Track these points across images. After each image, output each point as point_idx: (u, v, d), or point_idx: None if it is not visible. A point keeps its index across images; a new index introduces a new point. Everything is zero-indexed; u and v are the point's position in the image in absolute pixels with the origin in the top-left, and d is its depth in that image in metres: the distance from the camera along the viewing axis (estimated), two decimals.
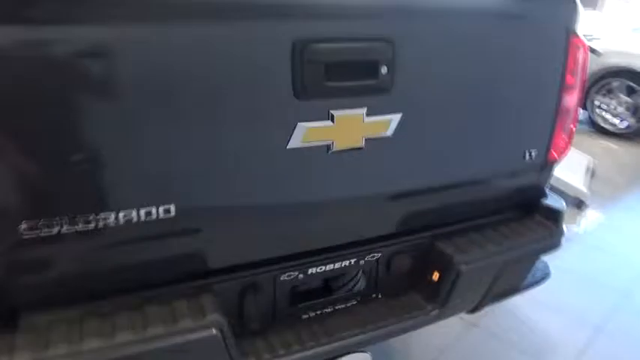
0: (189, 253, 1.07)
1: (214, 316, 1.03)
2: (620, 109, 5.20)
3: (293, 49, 0.99)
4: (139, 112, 0.91)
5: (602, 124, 5.34)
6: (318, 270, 1.25)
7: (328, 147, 1.08)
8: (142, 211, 0.96)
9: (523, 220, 1.52)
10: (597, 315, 2.26)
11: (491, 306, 2.20)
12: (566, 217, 2.92)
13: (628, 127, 5.19)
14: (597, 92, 5.27)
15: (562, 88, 1.40)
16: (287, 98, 1.01)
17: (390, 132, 1.14)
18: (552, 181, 3.31)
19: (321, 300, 1.30)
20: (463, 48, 1.23)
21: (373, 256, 1.32)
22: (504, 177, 1.44)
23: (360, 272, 1.34)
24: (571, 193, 3.44)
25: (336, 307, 1.31)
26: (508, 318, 2.23)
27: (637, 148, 5.04)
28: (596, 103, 5.31)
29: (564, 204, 1.56)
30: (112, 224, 0.94)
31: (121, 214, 0.94)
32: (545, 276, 1.61)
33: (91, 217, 0.92)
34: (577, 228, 3.20)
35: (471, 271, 1.31)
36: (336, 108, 1.06)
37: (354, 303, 1.34)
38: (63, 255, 0.95)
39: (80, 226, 0.91)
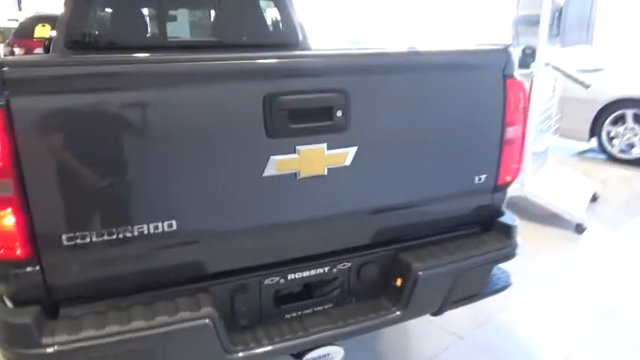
0: (187, 260, 1.37)
1: (208, 310, 1.32)
2: (631, 137, 5.31)
3: (264, 100, 1.31)
4: (151, 150, 1.24)
5: (614, 152, 5.45)
6: (297, 276, 1.52)
7: (296, 174, 1.38)
8: (152, 225, 1.27)
9: (481, 235, 1.76)
10: (581, 329, 2.41)
11: (481, 323, 2.41)
12: (565, 239, 3.10)
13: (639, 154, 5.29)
14: (608, 121, 5.41)
15: (504, 122, 1.67)
16: (261, 137, 1.33)
17: (348, 162, 1.44)
18: (555, 209, 3.49)
19: (301, 303, 1.57)
20: (410, 93, 1.52)
21: (344, 265, 1.58)
22: (458, 198, 1.69)
23: (336, 279, 1.60)
24: (571, 218, 3.59)
25: (315, 309, 1.58)
26: (495, 332, 2.41)
27: None
28: (607, 131, 5.44)
29: (516, 221, 1.78)
30: (129, 235, 1.25)
31: (135, 228, 1.26)
32: (505, 285, 1.82)
33: (113, 230, 1.24)
34: (575, 250, 3.34)
35: (427, 277, 1.56)
36: (300, 144, 1.36)
37: (330, 306, 1.60)
38: (91, 261, 1.26)
39: (105, 237, 1.23)
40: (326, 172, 1.42)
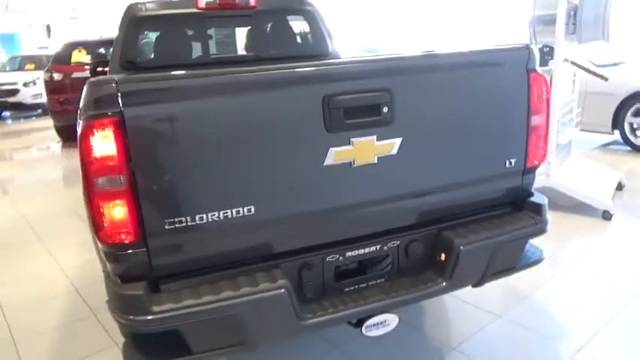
0: (262, 240, 1.61)
1: (283, 282, 1.55)
2: None
3: (323, 101, 1.55)
4: (233, 147, 1.49)
5: (638, 143, 5.54)
6: (353, 253, 1.74)
7: (351, 163, 1.61)
8: (234, 210, 1.51)
9: (514, 214, 1.96)
10: (612, 305, 2.56)
11: (516, 302, 2.58)
12: (593, 226, 3.27)
13: None
14: (630, 113, 5.52)
15: (529, 111, 1.87)
16: (321, 132, 1.56)
17: (394, 151, 1.66)
18: (581, 197, 3.64)
19: (358, 277, 1.79)
20: (447, 89, 1.74)
21: (394, 243, 1.80)
22: (491, 180, 1.89)
23: (387, 256, 1.81)
24: (598, 205, 3.74)
25: (369, 283, 1.79)
26: (529, 310, 2.58)
27: None
28: (630, 123, 5.55)
29: (546, 200, 1.97)
30: (215, 219, 1.50)
31: (221, 212, 1.50)
32: (538, 259, 2.01)
33: (203, 215, 1.48)
34: (604, 236, 3.48)
35: (468, 251, 1.76)
36: (354, 137, 1.59)
37: (383, 280, 1.81)
38: (186, 242, 1.50)
39: (197, 222, 1.48)
40: (376, 161, 1.64)
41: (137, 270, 1.48)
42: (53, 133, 9.04)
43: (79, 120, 1.45)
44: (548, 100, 1.92)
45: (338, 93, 1.57)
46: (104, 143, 1.38)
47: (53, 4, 18.82)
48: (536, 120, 1.90)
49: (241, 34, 3.77)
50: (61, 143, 8.64)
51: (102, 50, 8.38)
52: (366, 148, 1.62)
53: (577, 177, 4.05)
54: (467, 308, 2.62)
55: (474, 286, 1.92)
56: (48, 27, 20.87)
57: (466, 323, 2.49)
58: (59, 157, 7.91)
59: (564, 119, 4.01)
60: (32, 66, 12.62)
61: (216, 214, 1.50)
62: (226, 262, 1.59)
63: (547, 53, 3.92)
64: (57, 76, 7.89)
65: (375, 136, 1.62)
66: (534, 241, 2.08)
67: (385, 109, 1.62)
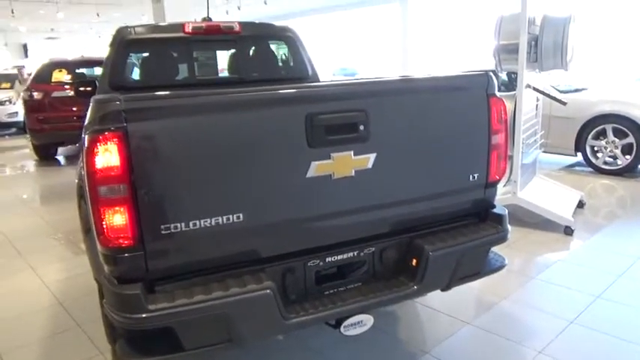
0: (250, 245, 1.75)
1: (269, 283, 1.70)
2: (613, 149, 5.75)
3: (306, 119, 1.72)
4: (222, 160, 1.64)
5: (599, 164, 5.89)
6: (332, 259, 1.90)
7: (331, 175, 1.78)
8: (225, 217, 1.66)
9: (479, 224, 2.15)
10: (572, 311, 2.77)
11: (484, 310, 2.74)
12: (556, 240, 3.49)
13: (621, 165, 5.73)
14: (591, 136, 5.87)
15: (490, 131, 2.08)
16: (304, 147, 1.73)
17: (369, 165, 1.84)
18: (545, 214, 3.87)
19: (337, 282, 1.94)
20: (416, 111, 1.94)
21: (369, 250, 1.96)
22: (458, 193, 2.08)
23: (363, 261, 1.97)
24: (560, 222, 3.99)
25: (347, 287, 1.95)
26: (498, 317, 2.76)
27: (629, 182, 5.54)
28: (591, 145, 5.90)
29: (506, 211, 2.18)
30: (207, 225, 1.64)
31: (213, 219, 1.64)
32: (501, 266, 2.20)
33: (196, 222, 1.62)
34: (565, 249, 3.72)
35: (436, 257, 1.94)
36: (334, 152, 1.77)
37: (359, 284, 1.97)
38: (180, 246, 1.64)
39: (190, 227, 1.62)
40: (353, 174, 1.82)
41: (134, 272, 1.60)
42: (28, 151, 9.01)
43: (83, 135, 1.59)
44: (506, 121, 2.14)
45: (319, 112, 1.75)
46: (108, 155, 1.52)
47: (31, 24, 18.79)
48: (497, 139, 2.11)
49: (224, 57, 3.95)
50: (36, 162, 8.60)
51: (83, 70, 8.46)
52: (345, 162, 1.80)
53: (541, 195, 4.31)
54: (439, 316, 2.79)
55: (443, 290, 2.09)
56: (25, 46, 20.76)
57: (438, 329, 2.66)
58: (35, 176, 7.87)
59: (529, 141, 4.29)
60: (8, 85, 12.57)
61: (208, 220, 1.64)
62: (216, 265, 1.73)
63: (514, 79, 4.20)
64: (37, 95, 7.91)
65: (352, 152, 1.80)
66: (500, 251, 2.28)
67: (361, 127, 1.81)
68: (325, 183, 1.78)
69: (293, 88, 1.76)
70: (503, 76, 6.04)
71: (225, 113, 1.65)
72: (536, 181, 4.70)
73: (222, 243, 1.70)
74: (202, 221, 1.63)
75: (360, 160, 1.82)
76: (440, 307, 2.86)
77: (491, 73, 2.08)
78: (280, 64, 3.82)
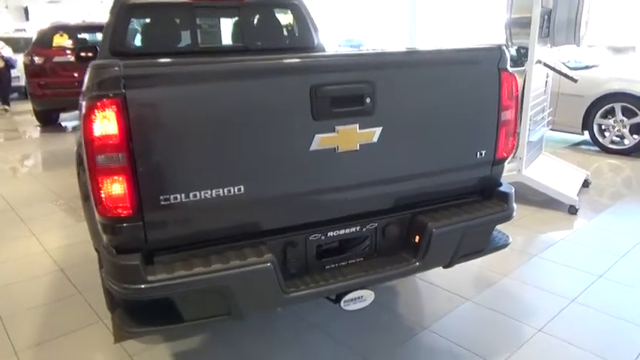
0: (250, 218, 1.72)
1: (269, 256, 1.67)
2: (621, 129, 5.67)
3: (311, 90, 1.67)
4: (225, 131, 1.60)
5: (606, 144, 5.81)
6: (334, 234, 1.88)
7: (335, 149, 1.74)
8: (225, 189, 1.62)
9: (484, 202, 2.12)
10: (573, 290, 2.76)
11: (485, 286, 2.74)
12: (560, 219, 3.46)
13: (628, 145, 5.66)
14: (599, 115, 5.78)
15: (500, 107, 2.03)
16: (309, 119, 1.68)
17: (375, 139, 1.79)
18: (549, 192, 3.84)
19: (338, 256, 1.92)
20: (424, 84, 1.88)
21: (372, 225, 1.94)
22: (464, 169, 2.04)
23: (365, 237, 1.95)
24: (565, 200, 3.95)
25: (348, 262, 1.93)
26: (499, 294, 2.76)
27: (636, 162, 5.48)
28: (598, 124, 5.81)
29: (512, 189, 2.14)
30: (208, 197, 1.61)
31: (213, 191, 1.61)
32: (504, 244, 2.18)
33: (197, 193, 1.59)
34: (569, 228, 3.70)
35: (439, 233, 1.91)
36: (338, 124, 1.72)
37: (361, 259, 1.95)
38: (179, 217, 1.61)
39: (190, 199, 1.59)
40: (358, 147, 1.77)
41: (133, 242, 1.58)
42: (30, 117, 8.94)
43: (81, 101, 1.55)
44: (517, 97, 2.08)
45: (325, 83, 1.69)
46: (106, 123, 1.47)
47: None
48: (506, 115, 2.05)
49: (228, 25, 3.86)
50: (39, 127, 8.56)
51: (84, 35, 8.31)
52: (349, 136, 1.75)
53: (546, 174, 4.27)
54: (439, 292, 2.79)
55: (445, 267, 2.07)
56: (26, 9, 20.42)
57: (438, 305, 2.66)
58: (38, 141, 7.85)
59: (536, 118, 4.21)
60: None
61: (209, 192, 1.61)
62: (216, 238, 1.70)
63: (524, 54, 4.10)
64: (38, 60, 7.80)
65: (357, 125, 1.75)
66: (503, 229, 2.25)
67: (368, 100, 1.75)
68: (329, 157, 1.74)
69: (298, 58, 1.70)
70: (513, 51, 5.91)
71: (226, 82, 1.59)
72: (542, 159, 4.65)
73: (222, 215, 1.67)
74: (202, 192, 1.60)
75: (366, 133, 1.77)
76: (440, 283, 2.86)
77: (504, 47, 2.01)
78: (285, 32, 3.72)
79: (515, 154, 4.03)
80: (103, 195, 1.53)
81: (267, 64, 1.66)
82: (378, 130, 1.79)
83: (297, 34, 3.78)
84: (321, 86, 1.68)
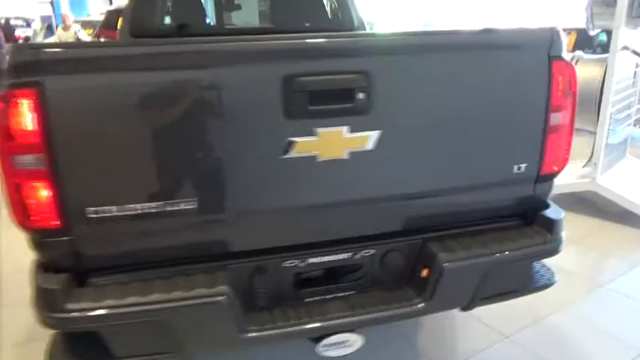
0: (207, 238, 1.41)
1: (223, 288, 1.35)
2: None
3: (283, 81, 1.30)
4: (171, 130, 1.28)
5: None
6: (317, 260, 1.51)
7: (314, 157, 1.36)
8: (172, 203, 1.31)
9: (521, 228, 1.64)
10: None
11: (530, 322, 2.25)
12: (636, 241, 2.76)
13: None
14: None
15: (549, 107, 1.54)
16: (279, 119, 1.32)
17: (370, 146, 1.39)
18: (628, 205, 3.18)
19: (322, 288, 1.55)
20: (440, 76, 1.45)
21: (368, 252, 1.55)
22: (493, 187, 1.58)
23: (359, 266, 1.57)
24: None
25: (336, 295, 1.56)
26: (546, 334, 2.25)
27: None
28: None
29: (562, 214, 1.64)
30: (150, 212, 1.30)
31: (156, 205, 1.30)
32: (548, 283, 1.70)
33: (136, 206, 1.29)
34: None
35: (453, 268, 1.48)
36: (319, 126, 1.34)
37: (352, 293, 1.57)
38: (116, 233, 1.32)
39: (127, 212, 1.29)
40: (346, 156, 1.39)
41: (60, 260, 1.32)
42: None
43: None
44: (574, 95, 1.58)
45: (302, 73, 1.32)
46: (21, 116, 1.20)
47: None
48: (558, 118, 1.56)
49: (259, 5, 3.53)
50: None
51: None
52: (334, 141, 1.37)
53: (628, 182, 3.58)
54: (472, 324, 2.33)
55: (464, 309, 1.64)
56: None
57: (469, 341, 2.21)
58: None
59: (619, 116, 3.53)
60: (90, 31, 12.95)
61: (152, 205, 1.31)
62: (165, 259, 1.40)
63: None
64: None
65: (345, 127, 1.36)
66: (566, 247, 1.74)
67: (360, 95, 1.35)
68: (307, 166, 1.37)
69: (266, 40, 1.33)
70: (602, 35, 5.11)
71: (172, 71, 1.27)
72: (625, 164, 3.93)
73: (170, 233, 1.37)
74: (141, 206, 1.30)
75: (357, 138, 1.38)
76: (475, 313, 2.38)
77: (558, 29, 1.51)
78: (320, 12, 3.33)
79: (590, 158, 3.40)
80: (19, 203, 1.27)
81: (222, 46, 1.31)
82: (374, 135, 1.39)
83: (332, 14, 3.37)
84: (297, 76, 1.31)
